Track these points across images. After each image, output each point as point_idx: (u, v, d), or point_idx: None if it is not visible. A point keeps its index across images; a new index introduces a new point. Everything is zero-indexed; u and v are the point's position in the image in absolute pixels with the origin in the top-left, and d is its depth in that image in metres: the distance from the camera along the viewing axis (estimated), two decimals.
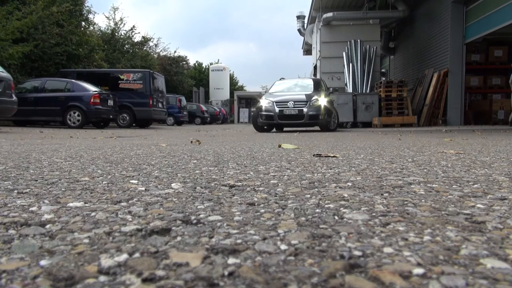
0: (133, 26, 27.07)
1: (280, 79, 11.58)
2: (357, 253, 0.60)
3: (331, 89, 10.85)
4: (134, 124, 14.88)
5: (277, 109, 9.27)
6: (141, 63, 25.11)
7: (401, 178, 1.38)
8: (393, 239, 0.67)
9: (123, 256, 0.58)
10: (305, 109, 9.18)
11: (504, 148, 2.95)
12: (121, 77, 14.86)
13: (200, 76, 39.56)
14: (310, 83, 10.99)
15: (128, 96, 14.44)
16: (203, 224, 0.77)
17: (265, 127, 10.09)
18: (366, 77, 14.62)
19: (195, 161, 2.04)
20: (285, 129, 10.90)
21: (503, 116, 13.14)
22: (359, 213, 0.86)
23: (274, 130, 11.03)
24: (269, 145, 3.44)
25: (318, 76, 16.27)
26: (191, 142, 4.02)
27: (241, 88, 45.20)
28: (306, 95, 9.63)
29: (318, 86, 10.59)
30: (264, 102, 9.70)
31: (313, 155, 2.31)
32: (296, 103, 9.31)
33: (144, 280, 0.50)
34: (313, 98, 9.35)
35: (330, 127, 9.66)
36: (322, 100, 9.35)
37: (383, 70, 20.08)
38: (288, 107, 9.26)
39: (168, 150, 2.87)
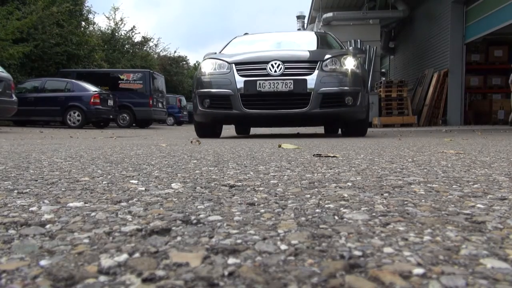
0: (133, 26, 27.13)
1: (244, 35, 6.32)
2: (357, 253, 0.60)
3: (351, 48, 6.00)
4: (134, 124, 14.88)
5: (239, 81, 4.41)
6: (141, 63, 25.14)
7: (401, 178, 1.38)
8: (393, 239, 0.67)
9: (123, 256, 0.58)
10: (310, 80, 4.33)
11: (504, 148, 2.95)
12: (121, 77, 14.88)
13: None
14: (310, 39, 5.96)
15: (128, 96, 14.46)
16: (203, 224, 0.77)
17: (219, 125, 5.34)
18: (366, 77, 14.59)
19: (195, 161, 2.04)
20: (255, 130, 6.83)
21: (503, 116, 13.13)
22: (359, 213, 0.86)
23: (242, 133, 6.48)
24: (269, 145, 3.44)
25: None
26: (191, 142, 4.02)
27: None
28: (310, 51, 4.96)
29: (326, 45, 5.64)
30: (207, 67, 4.72)
31: (313, 155, 2.31)
32: (288, 65, 4.41)
33: (144, 280, 0.50)
34: (329, 56, 4.54)
35: (364, 127, 5.09)
36: (350, 62, 4.56)
37: (383, 70, 20.07)
38: (269, 75, 4.36)
39: (168, 150, 2.87)
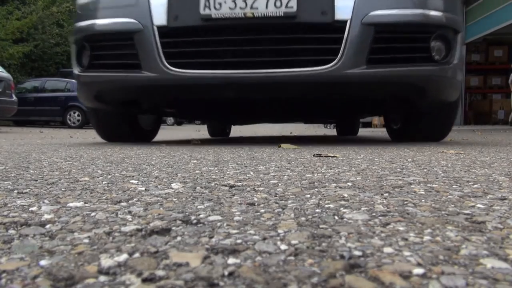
0: None
1: None
2: (357, 253, 0.60)
3: None
4: None
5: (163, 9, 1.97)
6: None
7: (401, 178, 1.38)
8: (393, 239, 0.67)
9: (123, 256, 0.58)
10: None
11: (504, 148, 2.95)
12: None
13: None
14: None
15: None
16: (203, 224, 0.77)
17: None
18: None
19: (195, 161, 2.04)
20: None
21: (503, 116, 13.14)
22: (359, 213, 0.86)
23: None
24: (269, 145, 3.44)
25: None
26: (191, 142, 4.01)
27: None
28: None
29: None
30: None
31: (313, 155, 2.31)
32: None
33: (144, 280, 0.50)
34: None
35: (450, 119, 3.05)
36: None
37: None
38: None
39: (168, 150, 2.87)
